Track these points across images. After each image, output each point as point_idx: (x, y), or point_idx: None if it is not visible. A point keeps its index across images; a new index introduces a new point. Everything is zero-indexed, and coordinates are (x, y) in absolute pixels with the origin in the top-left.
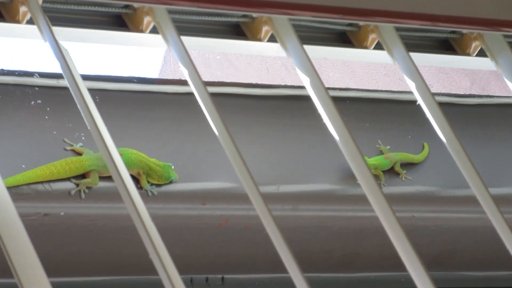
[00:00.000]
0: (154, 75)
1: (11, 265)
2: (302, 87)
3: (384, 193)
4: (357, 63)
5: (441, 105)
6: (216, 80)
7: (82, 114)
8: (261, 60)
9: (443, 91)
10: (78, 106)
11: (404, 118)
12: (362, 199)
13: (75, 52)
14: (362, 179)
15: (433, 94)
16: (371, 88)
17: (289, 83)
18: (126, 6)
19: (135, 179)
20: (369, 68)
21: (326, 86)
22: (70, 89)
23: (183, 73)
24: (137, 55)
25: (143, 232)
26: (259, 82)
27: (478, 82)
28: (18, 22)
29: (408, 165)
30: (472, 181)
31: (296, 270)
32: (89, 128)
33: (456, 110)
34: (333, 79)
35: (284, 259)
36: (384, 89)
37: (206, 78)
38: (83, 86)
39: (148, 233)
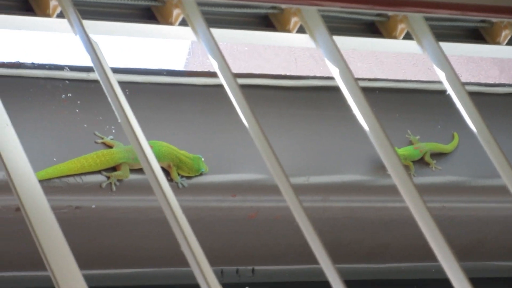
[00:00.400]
0: (180, 67)
1: (44, 258)
2: (331, 78)
3: (414, 183)
4: (385, 53)
5: (471, 94)
6: (244, 72)
7: (113, 107)
8: (289, 51)
9: (472, 81)
10: (109, 99)
11: (434, 108)
12: (392, 190)
13: (102, 45)
14: (392, 169)
15: (463, 84)
16: (399, 78)
17: (317, 74)
18: None
19: (166, 172)
20: (397, 58)
21: (355, 76)
22: (101, 82)
23: (213, 65)
24: (163, 47)
25: (174, 224)
26: (287, 73)
27: (507, 71)
28: (48, 16)
29: (438, 155)
30: (503, 171)
31: (327, 261)
32: (119, 121)
33: (485, 100)
34: (361, 70)
35: (315, 250)
36: (412, 79)
37: (234, 70)
38: (114, 79)
39: (180, 225)
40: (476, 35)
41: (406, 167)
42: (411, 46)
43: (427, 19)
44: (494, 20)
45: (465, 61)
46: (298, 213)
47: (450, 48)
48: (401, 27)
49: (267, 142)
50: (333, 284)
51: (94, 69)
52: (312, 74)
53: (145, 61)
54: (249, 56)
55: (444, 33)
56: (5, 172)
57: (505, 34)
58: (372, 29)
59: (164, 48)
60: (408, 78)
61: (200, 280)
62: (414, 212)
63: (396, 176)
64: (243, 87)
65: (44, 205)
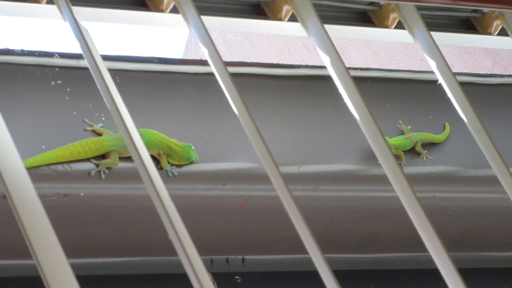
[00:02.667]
0: (178, 56)
1: (30, 246)
2: (323, 67)
3: (404, 173)
4: (379, 44)
5: (463, 84)
6: (237, 60)
7: (102, 95)
8: (282, 41)
9: (465, 71)
10: (98, 86)
11: (425, 98)
12: (383, 180)
13: (102, 33)
14: (383, 159)
15: (454, 74)
16: (392, 68)
17: (310, 63)
18: None
19: (156, 160)
20: (390, 48)
21: (348, 66)
22: (90, 69)
23: (203, 53)
24: (161, 36)
25: (162, 212)
26: (280, 62)
27: (500, 62)
28: (38, 2)
29: (429, 145)
30: (493, 161)
31: (316, 250)
32: (108, 108)
33: (478, 90)
34: (354, 60)
35: (304, 240)
36: (405, 69)
37: (227, 58)
38: (103, 66)
39: (168, 214)
40: (468, 25)
41: (397, 157)
42: (403, 35)
43: (419, 8)
44: (485, 10)
45: (458, 52)
46: (287, 202)
47: (442, 38)
48: (393, 16)
49: (257, 131)
50: (322, 274)
51: (84, 56)
52: (305, 63)
53: (143, 50)
54: (242, 45)
55: (436, 23)
56: None
57: (496, 24)
58: (364, 18)
59: (163, 37)
60: (401, 68)
61: (187, 269)
62: (404, 202)
63: (386, 166)
64: (235, 75)
65: (30, 193)
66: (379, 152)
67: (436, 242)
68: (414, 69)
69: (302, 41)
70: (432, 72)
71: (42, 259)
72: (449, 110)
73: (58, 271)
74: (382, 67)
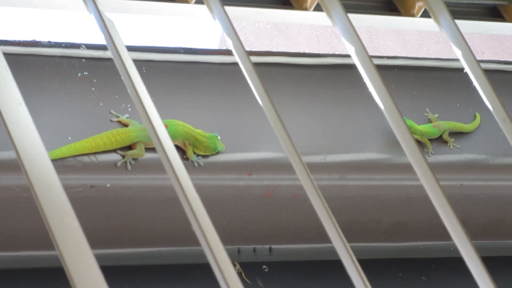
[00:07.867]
0: (214, 46)
1: (53, 238)
2: (350, 56)
3: (428, 162)
4: (408, 31)
5: (491, 72)
6: (266, 49)
7: (126, 85)
8: (311, 29)
9: (494, 58)
10: (122, 77)
11: (453, 86)
12: (409, 168)
13: (143, 24)
14: (406, 147)
15: (480, 61)
16: (421, 56)
17: (339, 51)
18: None
19: (182, 151)
20: (420, 35)
21: (377, 54)
22: (114, 60)
23: (227, 43)
24: (198, 27)
25: (185, 204)
26: (309, 51)
27: None
28: None
29: (456, 133)
30: None
31: (339, 240)
32: (132, 99)
33: (507, 78)
34: (384, 47)
35: (328, 229)
36: (435, 56)
37: (256, 47)
38: (128, 57)
39: (191, 205)
40: (495, 13)
41: (422, 144)
42: (429, 24)
43: None
44: None
45: (488, 38)
46: (311, 192)
47: (469, 26)
48: (419, 5)
49: (279, 120)
50: (346, 263)
51: (108, 47)
52: (334, 52)
53: (180, 41)
54: (271, 34)
55: (462, 11)
56: (15, 151)
57: None
58: (390, 7)
59: (199, 27)
60: (430, 56)
61: (210, 260)
62: (428, 190)
63: (410, 154)
64: (261, 65)
65: (55, 184)
66: (402, 141)
67: (460, 231)
68: (442, 57)
69: (331, 29)
70: (459, 60)
71: (64, 250)
72: (477, 98)
73: (81, 262)
74: (411, 55)
